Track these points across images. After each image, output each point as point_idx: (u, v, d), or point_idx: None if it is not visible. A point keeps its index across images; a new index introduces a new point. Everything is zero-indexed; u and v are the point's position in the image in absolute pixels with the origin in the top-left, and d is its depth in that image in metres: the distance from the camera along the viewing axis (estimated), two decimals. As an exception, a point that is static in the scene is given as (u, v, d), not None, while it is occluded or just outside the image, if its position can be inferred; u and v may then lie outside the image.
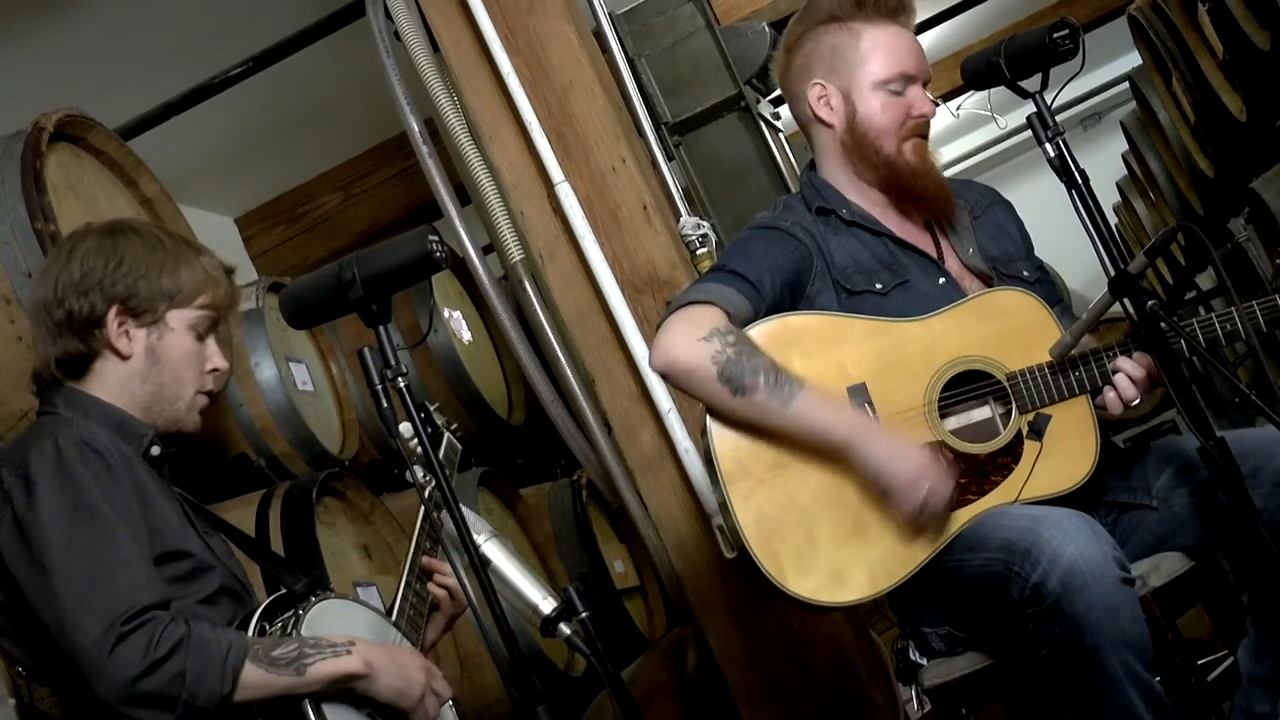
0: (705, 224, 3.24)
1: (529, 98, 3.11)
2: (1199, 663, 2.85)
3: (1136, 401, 2.20)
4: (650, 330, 2.96)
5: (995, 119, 6.94)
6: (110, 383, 2.14)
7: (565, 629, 2.01)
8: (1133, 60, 5.62)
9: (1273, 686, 2.19)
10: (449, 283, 4.36)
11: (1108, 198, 7.58)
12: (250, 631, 1.99)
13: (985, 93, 6.44)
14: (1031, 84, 2.13)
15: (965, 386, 2.26)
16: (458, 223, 3.20)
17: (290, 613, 2.04)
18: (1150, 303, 2.01)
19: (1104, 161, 7.39)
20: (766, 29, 3.73)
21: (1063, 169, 2.08)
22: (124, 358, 2.14)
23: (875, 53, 2.39)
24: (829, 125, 2.43)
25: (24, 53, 3.63)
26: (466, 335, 4.28)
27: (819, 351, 2.25)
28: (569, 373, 3.19)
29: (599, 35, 3.47)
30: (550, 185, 3.11)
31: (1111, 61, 7.65)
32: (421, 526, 2.27)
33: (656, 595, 4.18)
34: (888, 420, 2.22)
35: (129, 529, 1.94)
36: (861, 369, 2.25)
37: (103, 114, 2.99)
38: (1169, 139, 5.45)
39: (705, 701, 3.29)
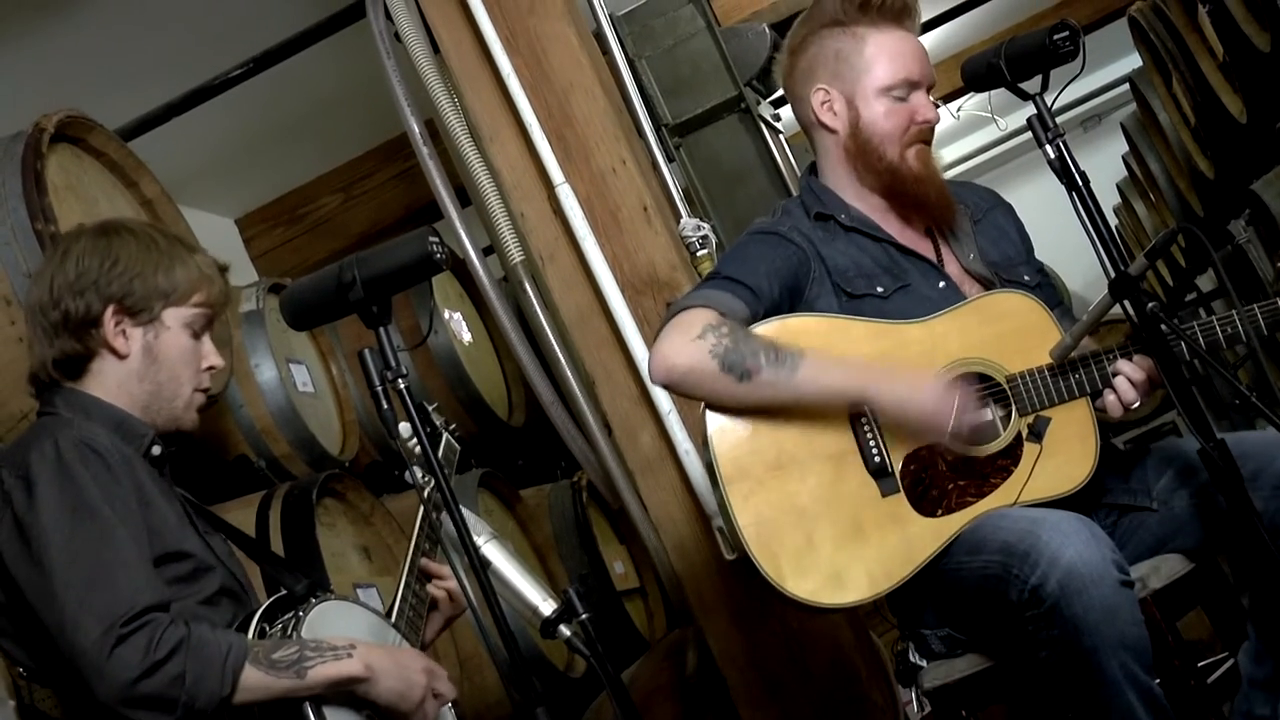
0: (705, 225, 3.24)
1: (529, 99, 3.11)
2: (1199, 665, 2.85)
3: (1136, 404, 2.20)
4: (650, 332, 2.96)
5: (996, 120, 6.94)
6: (109, 382, 2.14)
7: (565, 630, 2.02)
8: (1133, 62, 5.63)
9: (1273, 689, 2.19)
10: (449, 284, 4.36)
11: (1108, 199, 7.58)
12: (250, 633, 1.99)
13: (986, 94, 6.43)
14: (1032, 85, 2.13)
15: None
16: (458, 224, 3.20)
17: (290, 614, 2.04)
18: (1150, 304, 2.01)
19: (1104, 163, 7.39)
20: (767, 30, 3.73)
21: (1063, 170, 2.08)
22: (121, 357, 2.14)
23: (879, 58, 2.38)
24: (832, 130, 2.43)
25: (25, 54, 3.63)
26: (467, 336, 4.28)
27: (819, 352, 2.25)
28: (569, 374, 3.19)
29: (599, 37, 3.47)
30: (551, 187, 3.11)
31: (1112, 63, 7.65)
32: (421, 527, 2.27)
33: (656, 597, 4.18)
34: (887, 425, 2.22)
35: (129, 530, 1.94)
36: (861, 370, 2.24)
37: (103, 115, 2.99)
38: (1169, 140, 5.45)
39: (705, 703, 3.29)
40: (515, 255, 3.21)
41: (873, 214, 2.42)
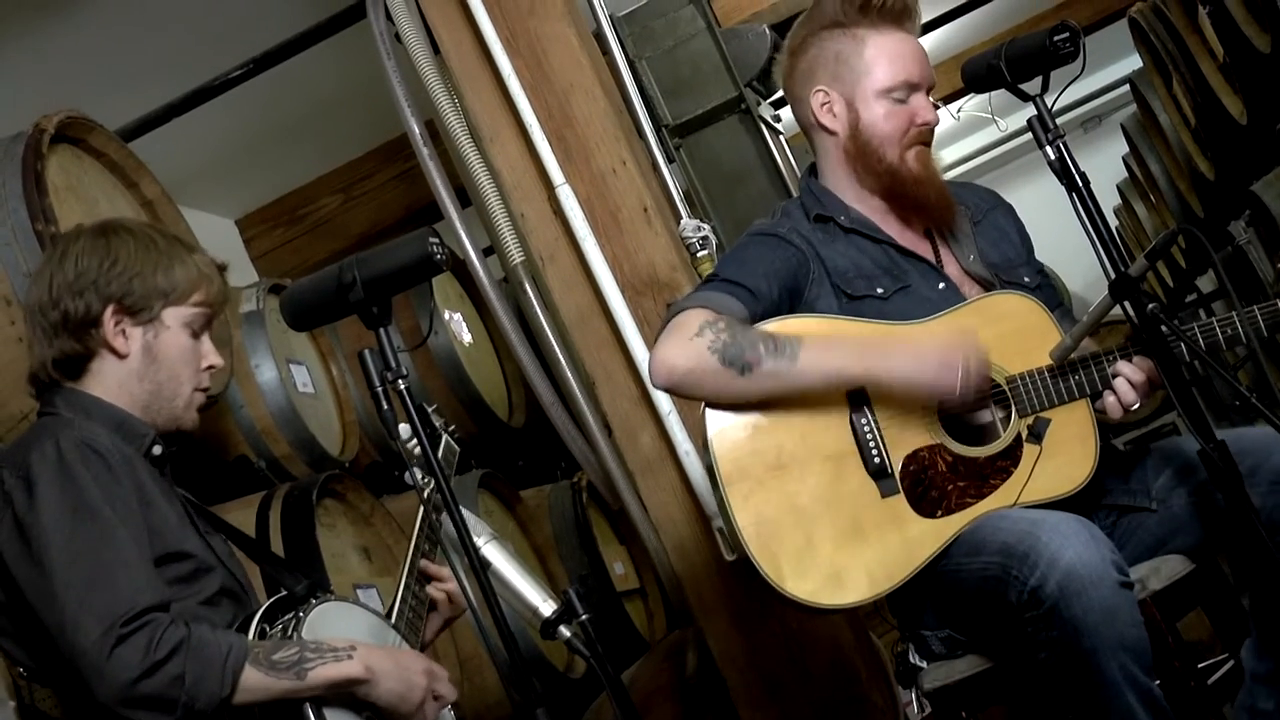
0: (706, 226, 3.24)
1: (530, 100, 3.11)
2: (1199, 666, 2.84)
3: (1136, 406, 2.20)
4: (651, 332, 2.96)
5: (996, 121, 6.94)
6: (109, 382, 2.14)
7: (565, 631, 2.02)
8: (1133, 63, 5.63)
9: (1276, 683, 2.19)
10: (449, 285, 4.36)
11: (1108, 200, 7.58)
12: (250, 634, 1.99)
13: (986, 95, 6.44)
14: (1032, 87, 2.13)
15: (965, 389, 2.26)
16: (458, 225, 3.20)
17: (290, 615, 2.04)
18: (1151, 306, 2.01)
19: (1104, 164, 7.40)
20: (767, 31, 3.73)
21: (1063, 171, 2.08)
22: (121, 357, 2.14)
23: (879, 60, 2.38)
24: (832, 132, 2.43)
25: (25, 54, 3.64)
26: (467, 337, 4.28)
27: (820, 353, 2.25)
28: (569, 375, 3.19)
29: (600, 37, 3.47)
30: (551, 187, 3.11)
31: (1112, 64, 7.65)
32: (420, 529, 2.27)
33: (656, 597, 4.18)
34: (887, 422, 2.22)
35: (129, 530, 1.94)
36: (861, 371, 2.25)
37: (104, 116, 2.99)
38: (1169, 141, 5.45)
39: (705, 704, 3.29)
40: (515, 256, 3.21)
41: (872, 215, 2.42)
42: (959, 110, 6.86)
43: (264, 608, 2.06)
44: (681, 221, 3.23)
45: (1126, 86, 5.95)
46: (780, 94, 3.45)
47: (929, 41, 5.75)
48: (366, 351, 1.93)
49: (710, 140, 3.69)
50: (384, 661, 1.99)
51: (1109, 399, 2.20)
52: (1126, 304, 2.02)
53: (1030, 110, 2.13)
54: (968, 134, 8.83)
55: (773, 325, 2.25)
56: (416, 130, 3.21)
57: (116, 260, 2.14)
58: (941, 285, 2.36)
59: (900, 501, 2.20)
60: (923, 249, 2.41)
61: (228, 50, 3.75)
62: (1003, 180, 9.02)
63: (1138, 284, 2.01)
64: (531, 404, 4.18)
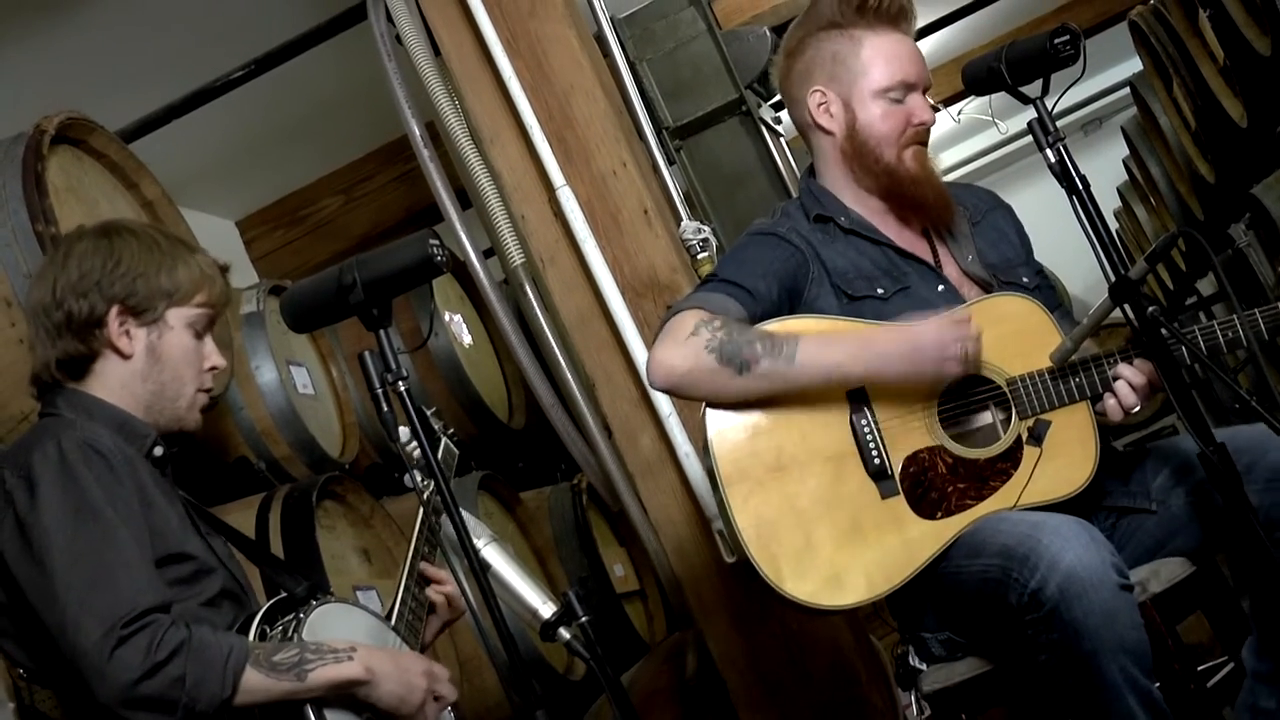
0: (706, 228, 3.24)
1: (530, 101, 3.11)
2: (1199, 669, 2.84)
3: (1137, 408, 2.20)
4: (651, 334, 2.96)
5: (996, 124, 6.93)
6: (111, 383, 2.14)
7: (565, 633, 2.02)
8: (1134, 65, 5.63)
9: (1276, 682, 2.19)
10: (450, 286, 4.36)
11: (1108, 203, 7.59)
12: (251, 635, 1.99)
13: (986, 98, 6.44)
14: (1032, 89, 2.13)
15: (965, 391, 2.26)
16: (458, 226, 3.20)
17: (291, 616, 2.04)
18: (1151, 308, 2.01)
19: (1105, 166, 7.40)
20: (767, 33, 3.73)
21: (1063, 174, 2.08)
22: (125, 357, 2.14)
23: (876, 60, 2.39)
24: (829, 132, 2.43)
25: (25, 55, 3.64)
26: (467, 339, 4.28)
27: (821, 354, 2.25)
28: (569, 376, 3.19)
29: (600, 39, 3.48)
30: (551, 189, 3.11)
31: (1112, 67, 7.66)
32: (420, 531, 2.27)
33: (656, 599, 4.18)
34: (887, 423, 2.22)
35: (131, 531, 1.94)
36: (862, 373, 2.25)
37: (104, 117, 3.00)
38: (1170, 144, 5.45)
39: (705, 706, 3.29)
40: (516, 257, 3.21)
41: (871, 217, 2.42)
42: (959, 113, 6.86)
43: (264, 609, 2.06)
44: (682, 223, 3.23)
45: (1127, 89, 5.95)
46: (780, 96, 3.46)
47: (930, 44, 5.76)
48: (367, 353, 1.94)
49: (711, 142, 3.69)
50: (384, 663, 1.99)
51: (1109, 401, 2.20)
52: (1126, 307, 2.02)
53: (1031, 113, 2.13)
54: (968, 136, 8.83)
55: (773, 325, 2.26)
56: (417, 132, 3.21)
57: (120, 261, 2.14)
58: (941, 287, 2.36)
59: (900, 503, 2.20)
60: (921, 250, 2.41)
61: (228, 51, 3.75)
62: (1003, 183, 9.02)
63: (1138, 287, 2.01)
64: (531, 406, 4.18)
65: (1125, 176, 7.03)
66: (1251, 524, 1.93)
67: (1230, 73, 4.11)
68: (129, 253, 2.15)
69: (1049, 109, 2.12)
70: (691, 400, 2.32)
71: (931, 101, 2.45)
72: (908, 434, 2.22)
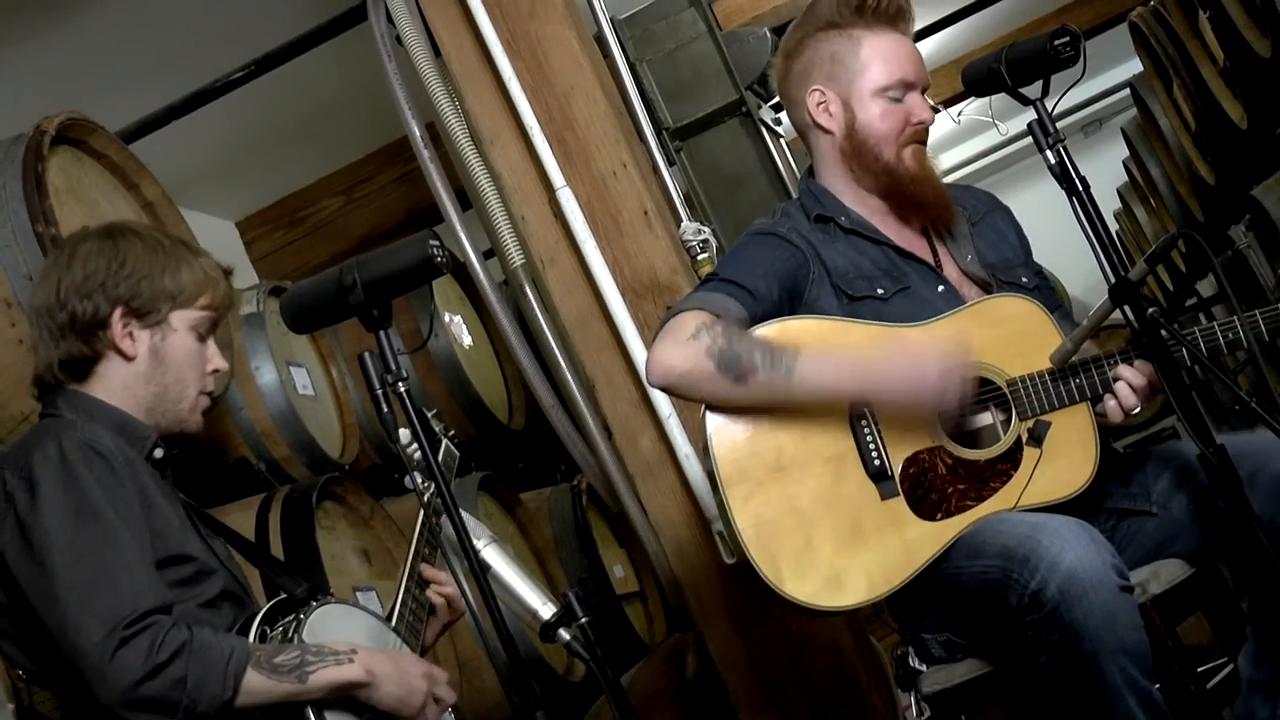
0: (706, 229, 3.24)
1: (530, 102, 3.11)
2: (1199, 670, 2.84)
3: (1137, 410, 2.20)
4: (650, 335, 2.95)
5: (996, 125, 6.93)
6: (114, 384, 2.14)
7: (565, 634, 2.02)
8: (1134, 67, 5.63)
9: (1272, 691, 2.19)
10: (450, 287, 4.36)
11: (1108, 204, 7.59)
12: (251, 636, 1.99)
13: (986, 99, 6.44)
14: (1032, 91, 2.13)
15: (965, 392, 2.26)
16: (458, 227, 3.20)
17: (291, 617, 2.04)
18: (1151, 310, 2.01)
19: (1105, 168, 7.40)
20: (768, 34, 3.73)
21: (1063, 176, 2.08)
22: (128, 359, 2.14)
23: (875, 60, 2.39)
24: (828, 132, 2.43)
25: (26, 56, 3.64)
26: (467, 340, 4.28)
27: (819, 355, 2.25)
28: (569, 377, 3.19)
29: (600, 40, 3.47)
30: (551, 190, 3.11)
31: (1112, 68, 7.66)
32: (421, 533, 2.27)
33: (656, 600, 4.18)
34: (888, 427, 2.22)
35: (132, 532, 1.94)
36: (862, 374, 2.24)
37: (104, 117, 3.00)
38: (1170, 146, 5.45)
39: (705, 707, 3.29)
40: (516, 258, 3.21)
41: (871, 217, 2.42)
42: (959, 114, 6.86)
43: (264, 610, 2.06)
44: (682, 224, 3.23)
45: (1127, 90, 5.95)
46: (779, 98, 3.46)
47: (930, 45, 5.76)
48: (367, 354, 1.94)
49: (711, 143, 3.69)
50: (385, 665, 1.99)
51: (1109, 403, 2.20)
52: (1126, 308, 2.02)
53: (1031, 114, 2.13)
54: (968, 138, 8.84)
55: (774, 328, 2.26)
56: (417, 132, 3.22)
57: (125, 263, 2.14)
58: (941, 288, 2.36)
59: (900, 504, 2.19)
60: (921, 250, 2.41)
61: (228, 52, 3.75)
62: (1003, 184, 9.02)
63: (1138, 288, 2.01)
64: (531, 407, 4.18)
65: (1125, 178, 7.03)
66: (1253, 529, 1.93)
67: (1230, 74, 4.11)
68: (134, 254, 2.15)
69: (1049, 110, 2.12)
70: (687, 401, 2.32)
71: (931, 102, 2.45)
72: (908, 435, 2.22)
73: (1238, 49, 3.80)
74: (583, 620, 2.01)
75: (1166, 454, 2.32)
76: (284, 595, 2.13)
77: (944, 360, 2.15)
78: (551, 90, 3.13)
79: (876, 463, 2.20)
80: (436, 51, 3.24)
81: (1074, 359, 2.21)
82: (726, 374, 2.17)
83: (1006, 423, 2.24)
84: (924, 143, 2.42)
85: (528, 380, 3.26)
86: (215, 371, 2.23)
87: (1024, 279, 2.43)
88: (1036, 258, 2.55)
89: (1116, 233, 7.70)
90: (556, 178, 3.09)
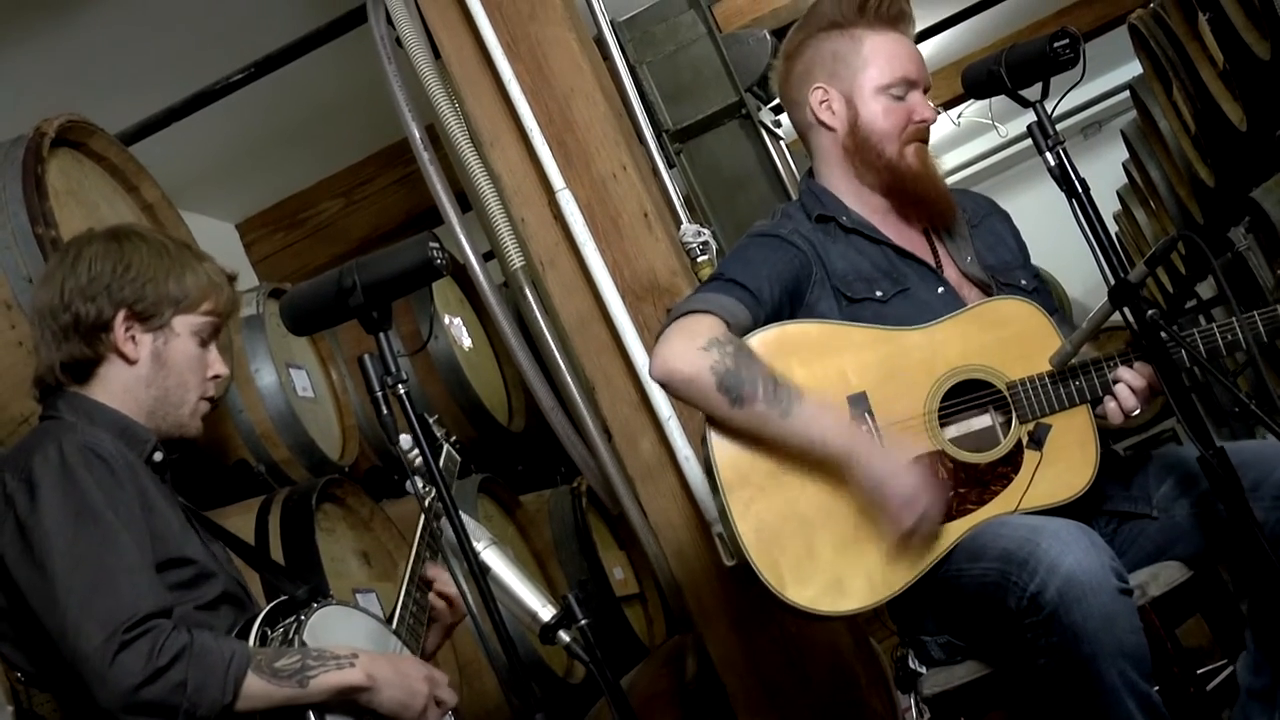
0: (706, 231, 3.24)
1: (530, 104, 3.11)
2: (1198, 672, 2.84)
3: (1137, 411, 2.20)
4: (650, 338, 2.96)
5: (996, 127, 6.94)
6: (115, 387, 2.14)
7: (564, 636, 2.02)
8: (1133, 69, 5.63)
9: (1270, 699, 2.19)
10: (449, 289, 4.36)
11: (1108, 206, 7.59)
12: (252, 638, 1.99)
13: (986, 101, 6.44)
14: (1032, 93, 2.13)
15: (965, 395, 2.26)
16: (458, 229, 3.20)
17: (292, 619, 2.04)
18: (1150, 312, 2.01)
19: (1104, 170, 7.40)
20: (768, 36, 3.73)
21: (1063, 178, 2.08)
22: (130, 362, 2.14)
23: (877, 58, 2.40)
24: (830, 129, 2.43)
25: (25, 58, 3.64)
26: (467, 342, 4.28)
27: (819, 360, 2.25)
28: (569, 380, 3.19)
29: (600, 42, 3.47)
30: (551, 192, 3.11)
31: (1112, 70, 7.66)
32: (421, 535, 2.27)
33: (656, 603, 4.18)
34: (888, 429, 2.22)
35: (132, 535, 1.94)
36: (862, 377, 2.25)
37: (104, 119, 3.00)
38: (1169, 148, 5.46)
39: (704, 709, 3.29)
40: (516, 260, 3.21)
41: (872, 217, 2.42)
42: (959, 116, 6.87)
43: (265, 611, 2.05)
44: (682, 226, 3.23)
45: (1126, 93, 5.95)
46: (779, 100, 3.46)
47: (929, 47, 5.76)
48: (366, 356, 1.93)
49: (711, 145, 3.69)
50: (385, 669, 1.99)
51: (1109, 404, 2.20)
52: (1126, 310, 2.02)
53: (1030, 116, 2.13)
54: (968, 140, 8.84)
55: (772, 332, 2.26)
56: (417, 135, 3.21)
57: (130, 266, 2.14)
58: (941, 289, 2.36)
59: (901, 507, 2.19)
60: (921, 250, 2.41)
61: (228, 54, 3.75)
62: (1003, 186, 9.03)
63: (1137, 290, 2.01)
64: (531, 409, 4.18)
65: (1125, 180, 7.03)
66: (1255, 536, 1.93)
67: (1230, 76, 4.12)
68: (139, 258, 2.15)
69: (1049, 112, 2.12)
70: (683, 402, 2.33)
71: (931, 103, 2.45)
72: (908, 439, 2.22)
73: (1237, 51, 3.81)
74: (582, 622, 2.01)
75: (1168, 458, 2.32)
76: (284, 597, 2.13)
77: (919, 490, 2.13)
78: (551, 92, 3.13)
79: (877, 467, 2.20)
80: (436, 54, 3.24)
81: (1073, 361, 2.21)
82: (725, 394, 2.17)
83: (1006, 425, 2.24)
84: (926, 141, 2.43)
85: (527, 382, 3.26)
86: (216, 377, 2.23)
87: (1023, 281, 2.43)
88: (1036, 260, 2.55)
89: (1116, 235, 7.70)
90: (556, 180, 3.09)
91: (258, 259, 5.16)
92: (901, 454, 2.18)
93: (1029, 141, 2.12)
